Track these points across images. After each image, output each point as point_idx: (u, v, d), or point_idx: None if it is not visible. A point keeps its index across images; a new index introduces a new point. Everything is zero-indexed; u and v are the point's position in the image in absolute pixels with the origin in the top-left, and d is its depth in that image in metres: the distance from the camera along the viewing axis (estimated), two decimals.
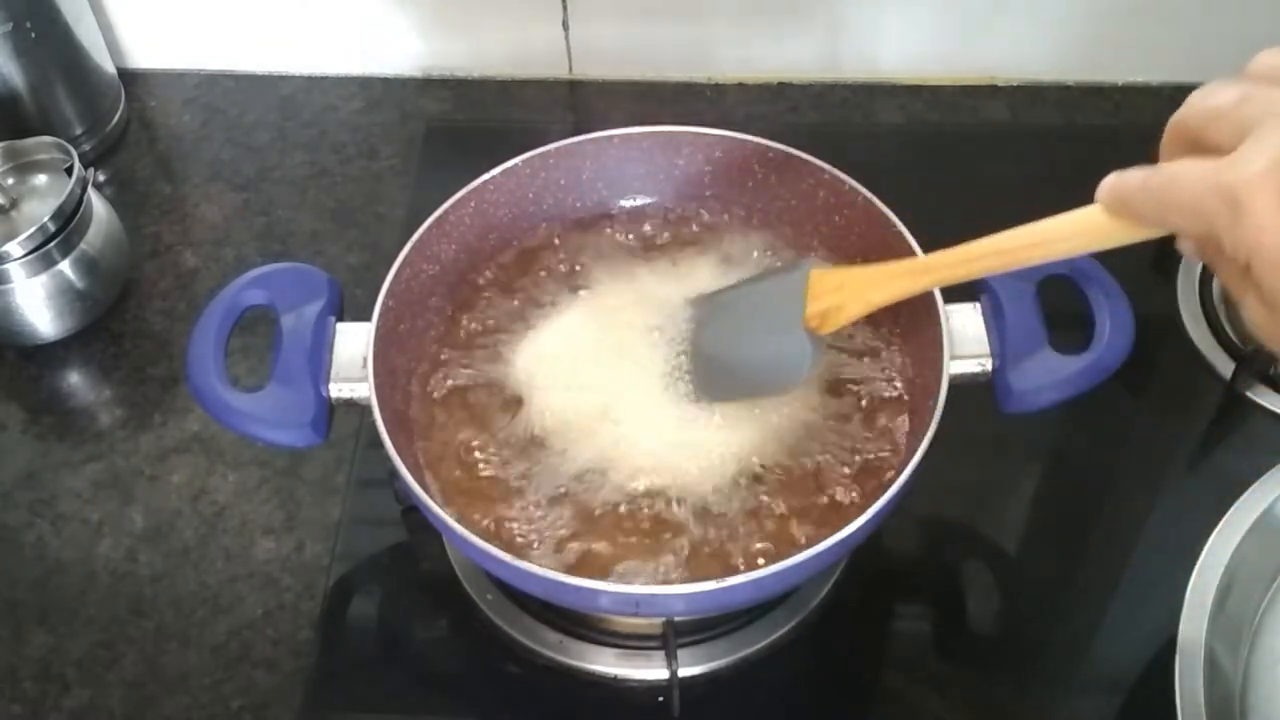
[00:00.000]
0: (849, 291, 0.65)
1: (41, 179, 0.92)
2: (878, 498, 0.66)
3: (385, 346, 0.72)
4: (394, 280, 0.74)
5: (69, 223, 0.89)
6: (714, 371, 0.71)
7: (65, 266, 0.90)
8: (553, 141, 0.81)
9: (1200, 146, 0.47)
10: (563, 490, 0.70)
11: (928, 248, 0.73)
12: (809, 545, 0.63)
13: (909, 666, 0.77)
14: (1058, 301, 0.72)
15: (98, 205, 0.93)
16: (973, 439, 0.73)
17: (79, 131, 1.04)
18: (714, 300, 0.74)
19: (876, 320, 0.77)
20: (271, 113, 1.09)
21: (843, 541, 0.63)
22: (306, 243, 1.00)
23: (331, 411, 0.71)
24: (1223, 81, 0.47)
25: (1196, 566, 0.68)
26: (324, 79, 1.12)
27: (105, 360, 0.93)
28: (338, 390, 0.71)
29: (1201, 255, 0.49)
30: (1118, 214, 0.49)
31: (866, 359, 0.76)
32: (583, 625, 0.76)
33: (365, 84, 1.11)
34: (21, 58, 0.98)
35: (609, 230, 0.83)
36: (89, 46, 1.04)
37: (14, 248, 0.87)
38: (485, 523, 0.69)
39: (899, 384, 0.74)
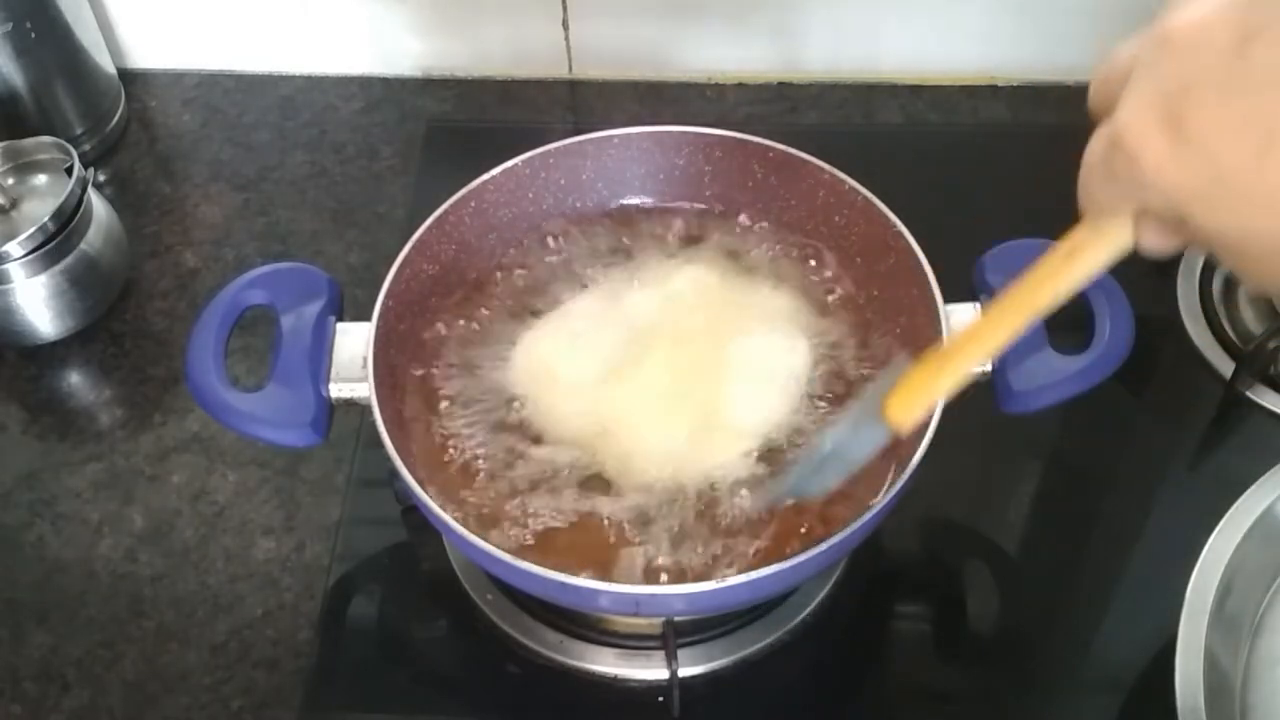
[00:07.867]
0: (919, 384, 0.57)
1: (41, 179, 0.92)
2: (877, 499, 0.66)
3: (385, 346, 0.72)
4: (394, 280, 0.74)
5: (69, 223, 0.89)
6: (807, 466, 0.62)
7: (65, 266, 0.89)
8: (553, 141, 0.81)
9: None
10: (563, 490, 0.70)
11: (927, 248, 0.74)
12: (809, 546, 0.63)
13: (909, 666, 0.77)
14: None
15: (98, 205, 0.93)
16: (973, 439, 0.73)
17: (79, 131, 1.04)
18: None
19: (877, 321, 0.77)
20: (271, 113, 1.09)
21: (843, 541, 0.63)
22: (306, 243, 0.99)
23: (331, 411, 0.71)
24: (1115, 50, 0.46)
25: (1196, 566, 0.68)
26: (324, 79, 1.11)
27: (105, 360, 0.93)
28: (338, 390, 0.71)
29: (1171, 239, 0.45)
30: (1087, 212, 0.47)
31: (867, 360, 0.75)
32: (583, 625, 0.76)
33: (365, 84, 1.11)
34: (21, 58, 0.98)
35: (609, 230, 0.83)
36: (89, 46, 1.03)
37: (14, 248, 0.87)
38: (485, 522, 0.69)
39: None
